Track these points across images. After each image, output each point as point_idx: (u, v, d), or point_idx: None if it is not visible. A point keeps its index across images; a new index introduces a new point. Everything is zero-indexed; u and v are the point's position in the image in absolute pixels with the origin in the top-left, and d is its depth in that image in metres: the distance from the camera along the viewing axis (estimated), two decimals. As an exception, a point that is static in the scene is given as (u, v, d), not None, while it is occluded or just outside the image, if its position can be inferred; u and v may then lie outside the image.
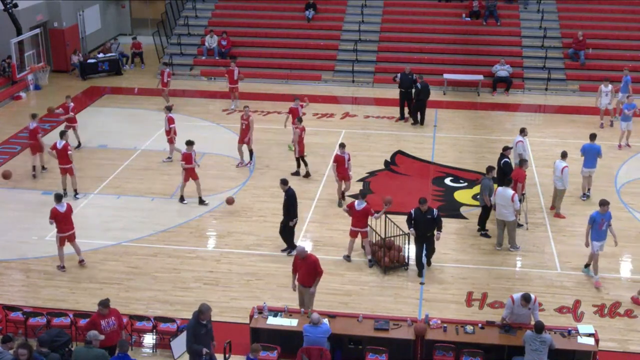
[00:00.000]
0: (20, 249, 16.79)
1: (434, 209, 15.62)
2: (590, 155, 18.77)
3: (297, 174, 20.36)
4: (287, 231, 16.42)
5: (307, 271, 13.60)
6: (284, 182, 16.32)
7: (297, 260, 13.72)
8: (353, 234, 16.12)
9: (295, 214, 16.28)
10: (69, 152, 18.90)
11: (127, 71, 31.44)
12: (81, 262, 16.01)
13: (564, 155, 18.04)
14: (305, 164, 20.47)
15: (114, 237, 17.33)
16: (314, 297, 13.79)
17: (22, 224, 17.95)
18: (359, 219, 15.94)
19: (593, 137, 19.11)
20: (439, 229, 15.57)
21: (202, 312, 11.71)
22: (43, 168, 20.79)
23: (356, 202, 16.00)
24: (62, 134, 19.20)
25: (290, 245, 16.53)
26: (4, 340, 11.50)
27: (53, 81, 29.60)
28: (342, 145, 18.60)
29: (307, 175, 20.39)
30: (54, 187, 19.63)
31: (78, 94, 27.91)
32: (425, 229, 15.49)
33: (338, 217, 18.18)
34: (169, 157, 21.40)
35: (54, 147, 18.97)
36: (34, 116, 20.74)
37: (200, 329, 11.73)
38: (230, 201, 18.33)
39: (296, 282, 13.88)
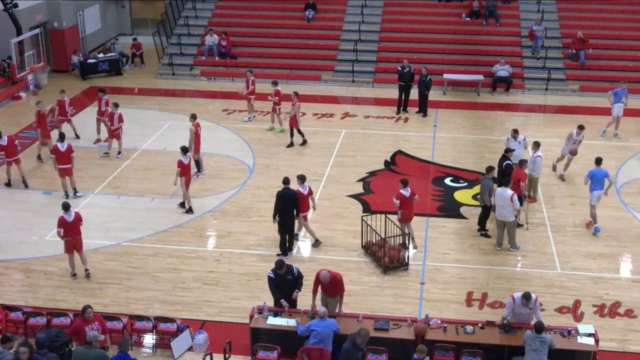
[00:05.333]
0: (20, 249, 16.79)
1: (294, 267, 13.54)
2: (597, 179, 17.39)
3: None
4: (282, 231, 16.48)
5: (331, 288, 13.34)
6: (284, 181, 16.36)
7: (319, 282, 13.22)
8: (305, 218, 16.67)
9: (275, 213, 16.25)
10: (72, 155, 18.91)
11: (127, 71, 31.44)
12: (87, 272, 15.72)
13: (538, 145, 18.49)
14: (300, 134, 22.52)
15: (114, 237, 17.33)
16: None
17: (22, 224, 17.94)
18: (306, 203, 16.56)
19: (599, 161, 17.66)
20: (299, 288, 13.52)
21: (364, 336, 11.57)
22: None
23: (300, 188, 16.44)
24: (62, 136, 19.19)
25: (282, 249, 16.47)
26: (3, 341, 11.49)
27: (53, 81, 29.58)
28: (404, 182, 16.38)
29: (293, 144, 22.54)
30: (54, 187, 19.64)
31: (78, 94, 27.91)
32: (288, 291, 13.45)
33: (338, 217, 18.18)
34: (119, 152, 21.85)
35: (56, 150, 18.80)
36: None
37: (357, 352, 11.65)
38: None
39: (317, 301, 13.46)
